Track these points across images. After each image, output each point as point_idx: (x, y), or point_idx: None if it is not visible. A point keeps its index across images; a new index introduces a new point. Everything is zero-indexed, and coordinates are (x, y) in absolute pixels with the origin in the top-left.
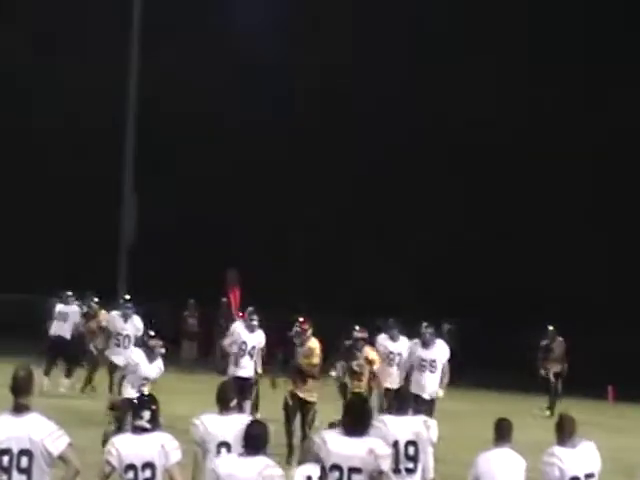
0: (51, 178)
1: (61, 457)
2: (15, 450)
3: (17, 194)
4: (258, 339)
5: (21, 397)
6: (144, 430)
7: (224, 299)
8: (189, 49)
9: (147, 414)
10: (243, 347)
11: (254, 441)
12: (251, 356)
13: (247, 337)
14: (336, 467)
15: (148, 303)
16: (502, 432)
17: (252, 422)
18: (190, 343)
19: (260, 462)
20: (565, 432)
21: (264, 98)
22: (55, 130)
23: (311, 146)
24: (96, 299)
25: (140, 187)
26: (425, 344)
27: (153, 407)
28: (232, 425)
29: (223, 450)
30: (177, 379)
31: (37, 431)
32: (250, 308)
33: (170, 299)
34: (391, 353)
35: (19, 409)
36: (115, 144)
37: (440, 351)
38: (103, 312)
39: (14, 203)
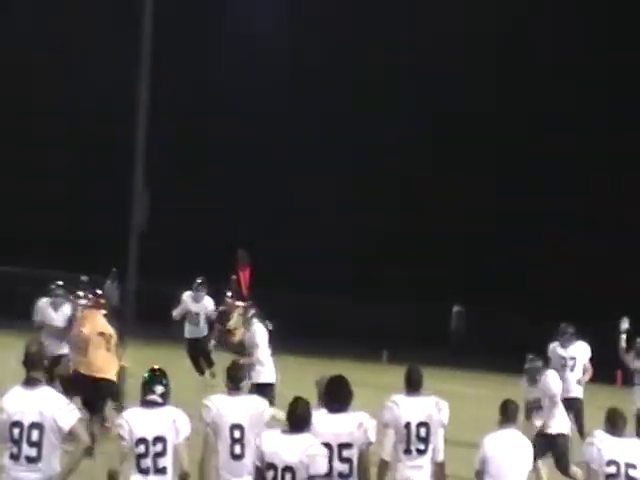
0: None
1: (71, 432)
2: (26, 423)
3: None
4: (204, 306)
5: (33, 371)
6: (155, 404)
7: (233, 277)
8: (201, 44)
9: (160, 388)
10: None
11: (299, 419)
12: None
13: (194, 306)
14: (325, 445)
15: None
16: (508, 413)
17: (296, 400)
18: None
19: (305, 440)
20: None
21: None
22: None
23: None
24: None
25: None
26: (565, 343)
27: (165, 382)
28: (244, 406)
29: (236, 433)
30: (185, 354)
31: (48, 405)
32: (198, 280)
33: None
34: (563, 359)
35: (31, 383)
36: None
37: (580, 350)
38: None
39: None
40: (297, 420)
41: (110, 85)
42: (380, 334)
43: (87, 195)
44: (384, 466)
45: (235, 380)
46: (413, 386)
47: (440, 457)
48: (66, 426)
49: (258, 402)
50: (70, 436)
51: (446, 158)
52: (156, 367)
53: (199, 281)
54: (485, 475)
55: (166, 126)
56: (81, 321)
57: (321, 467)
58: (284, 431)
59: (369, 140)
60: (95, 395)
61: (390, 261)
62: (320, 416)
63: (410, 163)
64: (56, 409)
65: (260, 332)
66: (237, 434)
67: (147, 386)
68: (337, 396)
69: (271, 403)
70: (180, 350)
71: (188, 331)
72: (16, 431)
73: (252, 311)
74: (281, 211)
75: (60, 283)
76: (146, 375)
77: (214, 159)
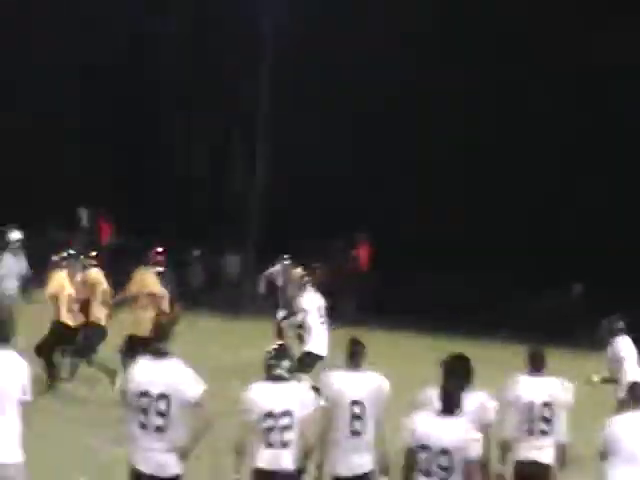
0: None
1: (197, 403)
2: (154, 393)
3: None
4: None
5: (161, 342)
6: (282, 379)
7: (353, 254)
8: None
9: (286, 363)
10: None
11: (450, 400)
12: None
13: None
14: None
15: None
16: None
17: (448, 380)
18: None
19: (461, 424)
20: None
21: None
22: None
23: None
24: None
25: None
26: None
27: (291, 357)
28: (364, 382)
29: (356, 409)
30: None
31: (176, 376)
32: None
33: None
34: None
35: (159, 354)
36: None
37: None
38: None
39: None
40: (449, 401)
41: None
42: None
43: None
44: (506, 446)
45: (354, 356)
46: (536, 365)
47: (564, 439)
48: (192, 398)
49: (378, 378)
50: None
51: None
52: (280, 343)
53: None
54: (615, 458)
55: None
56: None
57: (477, 452)
58: (438, 413)
59: None
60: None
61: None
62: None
63: None
64: (183, 381)
65: (309, 299)
66: (357, 410)
67: (273, 361)
68: (455, 375)
69: (306, 372)
70: None
71: None
72: (144, 401)
73: (307, 278)
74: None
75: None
76: (271, 350)
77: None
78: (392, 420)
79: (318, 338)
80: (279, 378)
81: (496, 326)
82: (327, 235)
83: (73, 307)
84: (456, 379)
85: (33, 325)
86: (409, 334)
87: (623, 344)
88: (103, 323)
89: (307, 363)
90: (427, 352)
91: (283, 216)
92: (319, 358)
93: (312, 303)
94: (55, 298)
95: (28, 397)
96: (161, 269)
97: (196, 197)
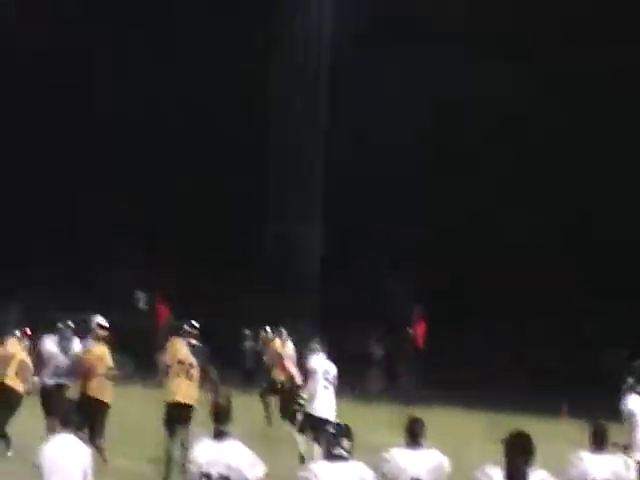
0: None
1: None
2: (215, 475)
3: None
4: None
5: (221, 424)
6: (341, 458)
7: (409, 330)
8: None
9: (346, 443)
10: None
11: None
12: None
13: None
14: None
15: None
16: None
17: (512, 458)
18: (375, 373)
19: None
20: None
21: None
22: None
23: None
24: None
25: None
26: None
27: (351, 436)
28: (424, 460)
29: None
30: (363, 409)
31: (236, 457)
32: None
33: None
34: None
35: (220, 435)
36: None
37: None
38: None
39: None
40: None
41: None
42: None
43: None
44: None
45: (413, 434)
46: (599, 442)
47: None
48: (253, 479)
49: (438, 456)
50: None
51: None
52: (340, 422)
53: None
54: None
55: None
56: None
57: None
58: None
59: None
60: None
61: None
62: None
63: None
64: (244, 462)
65: (317, 362)
66: None
67: (333, 439)
68: (518, 453)
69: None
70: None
71: None
72: None
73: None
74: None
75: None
76: (331, 428)
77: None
78: None
79: (320, 401)
80: (339, 457)
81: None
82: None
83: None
84: (520, 457)
85: None
86: (466, 410)
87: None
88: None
89: (309, 425)
90: (485, 429)
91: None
92: (321, 421)
93: (320, 366)
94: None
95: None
96: (193, 341)
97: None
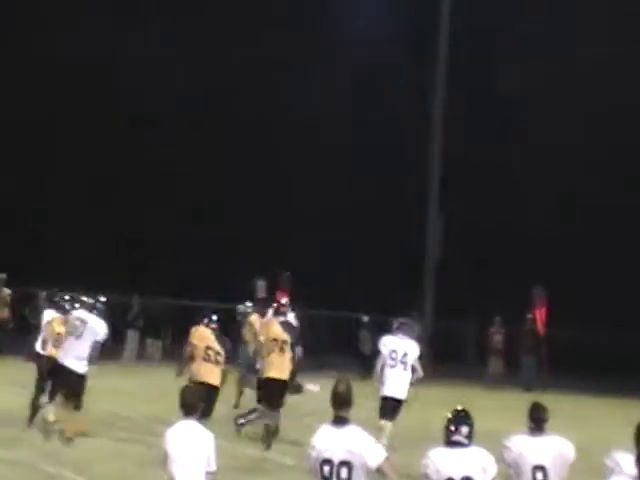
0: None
1: (379, 470)
2: (336, 461)
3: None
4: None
5: (342, 410)
6: (461, 445)
7: (529, 315)
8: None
9: (465, 429)
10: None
11: None
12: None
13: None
14: None
15: (454, 320)
16: None
17: None
18: (496, 359)
19: None
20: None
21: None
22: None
23: None
24: None
25: (445, 205)
26: None
27: (471, 422)
28: (547, 447)
29: (539, 475)
30: (483, 395)
31: (357, 443)
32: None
33: (476, 316)
34: None
35: (340, 421)
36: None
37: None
38: None
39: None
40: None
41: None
42: None
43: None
44: None
45: (537, 421)
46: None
47: None
48: (374, 464)
49: (562, 443)
50: (378, 473)
51: None
52: (460, 407)
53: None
54: None
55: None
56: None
57: None
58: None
59: None
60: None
61: None
62: None
63: None
64: (364, 447)
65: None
66: (540, 476)
67: (452, 426)
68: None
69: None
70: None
71: None
72: (326, 469)
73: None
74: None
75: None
76: (450, 415)
77: (516, 180)
78: None
79: (387, 381)
80: (458, 444)
81: None
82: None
83: None
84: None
85: None
86: (591, 395)
87: None
88: None
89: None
90: (611, 414)
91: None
92: (386, 400)
93: (386, 346)
94: None
95: (213, 468)
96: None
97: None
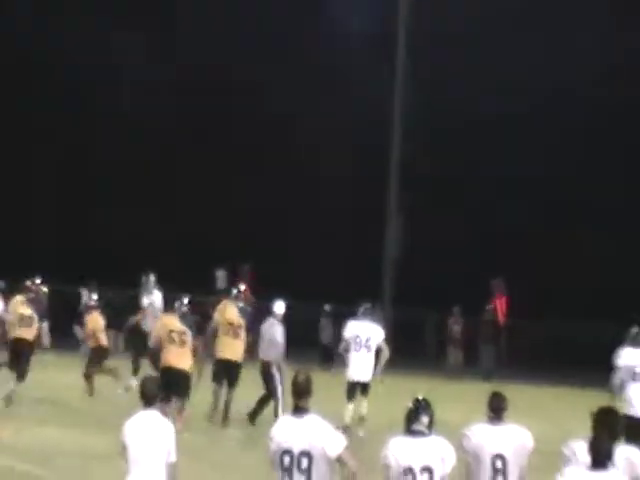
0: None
1: (338, 459)
2: (296, 451)
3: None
4: None
5: (301, 400)
6: (421, 434)
7: (489, 306)
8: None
9: (425, 419)
10: None
11: (603, 454)
12: None
13: None
14: None
15: (414, 311)
16: None
17: (599, 433)
18: (455, 350)
19: (614, 478)
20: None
21: None
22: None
23: None
24: None
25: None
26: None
27: (431, 412)
28: (506, 436)
29: (498, 463)
30: (443, 385)
31: (317, 433)
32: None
33: (435, 307)
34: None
35: (299, 411)
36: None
37: None
38: None
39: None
40: (603, 455)
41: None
42: None
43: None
44: None
45: (496, 410)
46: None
47: None
48: (334, 453)
49: (521, 432)
50: (338, 462)
51: None
52: (420, 397)
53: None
54: None
55: (420, 147)
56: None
57: None
58: (589, 467)
59: None
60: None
61: None
62: None
63: None
64: (324, 437)
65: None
66: (499, 464)
67: (412, 415)
68: (605, 429)
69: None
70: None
71: None
72: (287, 459)
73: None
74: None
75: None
76: (411, 404)
77: (474, 183)
78: (534, 474)
79: (351, 365)
80: (418, 433)
81: None
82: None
83: None
84: (607, 432)
85: None
86: (550, 386)
87: None
88: None
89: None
90: (569, 404)
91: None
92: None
93: (348, 331)
94: None
95: (173, 459)
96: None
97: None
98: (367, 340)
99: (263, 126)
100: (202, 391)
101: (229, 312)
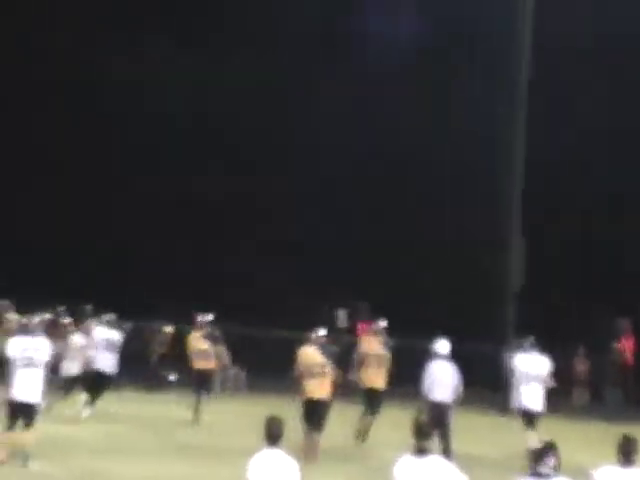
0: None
1: None
2: None
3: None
4: None
5: (423, 441)
6: (547, 477)
7: (616, 345)
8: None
9: (552, 461)
10: None
11: None
12: None
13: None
14: None
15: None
16: None
17: None
18: (580, 390)
19: None
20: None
21: None
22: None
23: None
24: None
25: (527, 230)
26: None
27: (557, 454)
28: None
29: None
30: (569, 426)
31: (439, 473)
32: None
33: (560, 345)
34: None
35: (421, 452)
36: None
37: None
38: None
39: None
40: None
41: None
42: None
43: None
44: None
45: (625, 453)
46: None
47: None
48: None
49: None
50: None
51: None
52: (547, 439)
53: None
54: None
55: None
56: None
57: None
58: None
59: None
60: None
61: None
62: None
63: None
64: (447, 477)
65: None
66: None
67: (539, 457)
68: None
69: None
70: None
71: None
72: None
73: None
74: None
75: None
76: (537, 446)
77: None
78: None
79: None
80: (545, 475)
81: None
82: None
83: None
84: None
85: None
86: None
87: None
88: None
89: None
90: None
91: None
92: None
93: None
94: None
95: None
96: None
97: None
98: (537, 371)
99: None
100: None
101: (372, 344)
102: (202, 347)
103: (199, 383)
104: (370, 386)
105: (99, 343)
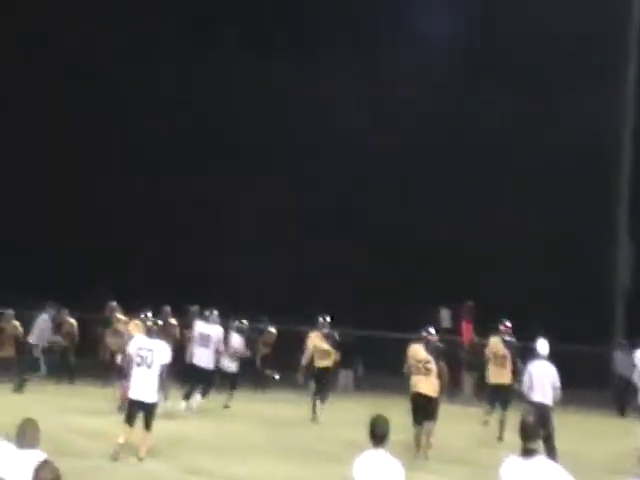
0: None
1: None
2: None
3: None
4: None
5: (530, 442)
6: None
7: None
8: None
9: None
10: None
11: None
12: None
13: None
14: None
15: None
16: None
17: None
18: None
19: None
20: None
21: None
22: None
23: None
24: None
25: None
26: None
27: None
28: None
29: None
30: None
31: (546, 475)
32: None
33: None
34: None
35: (528, 453)
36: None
37: None
38: None
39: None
40: None
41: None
42: None
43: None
44: None
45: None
46: None
47: None
48: None
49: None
50: None
51: None
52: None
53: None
54: None
55: None
56: None
57: None
58: None
59: None
60: None
61: None
62: None
63: None
64: (554, 479)
65: None
66: None
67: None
68: None
69: None
70: None
71: None
72: None
73: None
74: None
75: None
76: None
77: None
78: None
79: None
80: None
81: None
82: None
83: None
84: None
85: None
86: None
87: None
88: None
89: None
90: None
91: None
92: None
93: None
94: None
95: None
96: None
97: None
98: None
99: None
100: None
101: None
102: (323, 347)
103: (319, 382)
104: (495, 382)
105: (195, 338)
